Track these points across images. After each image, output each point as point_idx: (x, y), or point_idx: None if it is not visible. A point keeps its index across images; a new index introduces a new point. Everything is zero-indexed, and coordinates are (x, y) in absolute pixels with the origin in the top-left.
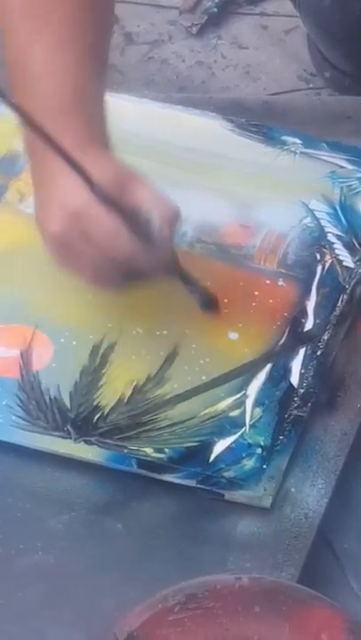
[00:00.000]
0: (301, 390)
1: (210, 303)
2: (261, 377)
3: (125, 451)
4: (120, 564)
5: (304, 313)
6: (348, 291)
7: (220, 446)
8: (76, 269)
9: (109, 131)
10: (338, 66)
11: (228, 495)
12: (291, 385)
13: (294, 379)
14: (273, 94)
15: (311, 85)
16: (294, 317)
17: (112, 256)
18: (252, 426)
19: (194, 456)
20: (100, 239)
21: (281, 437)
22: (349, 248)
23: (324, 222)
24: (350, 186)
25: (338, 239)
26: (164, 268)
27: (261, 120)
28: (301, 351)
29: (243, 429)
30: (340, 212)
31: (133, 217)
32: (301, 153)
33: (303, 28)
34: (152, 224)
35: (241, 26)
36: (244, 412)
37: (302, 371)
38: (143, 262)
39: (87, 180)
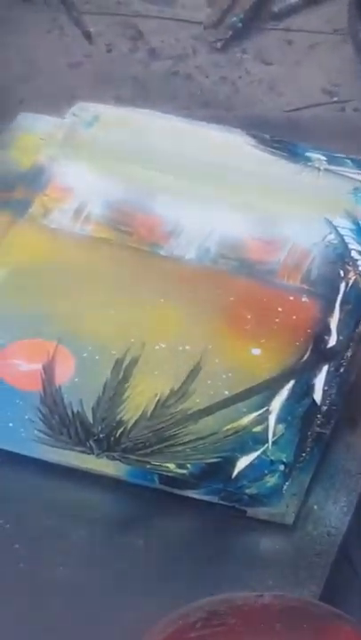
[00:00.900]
0: (324, 407)
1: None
2: (284, 393)
3: (148, 466)
4: (140, 581)
5: (327, 330)
6: None
7: (243, 462)
8: None
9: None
10: None
11: (251, 512)
12: (314, 402)
13: (317, 395)
14: (296, 109)
15: (336, 99)
16: (317, 334)
17: None
18: (274, 442)
19: (216, 472)
20: None
21: (303, 454)
22: None
23: (347, 239)
24: None
25: None
26: None
27: (285, 136)
28: (325, 368)
29: (265, 446)
30: None
31: None
32: (325, 169)
33: (329, 42)
34: None
35: (266, 41)
36: (267, 428)
37: (325, 388)
38: None
39: None
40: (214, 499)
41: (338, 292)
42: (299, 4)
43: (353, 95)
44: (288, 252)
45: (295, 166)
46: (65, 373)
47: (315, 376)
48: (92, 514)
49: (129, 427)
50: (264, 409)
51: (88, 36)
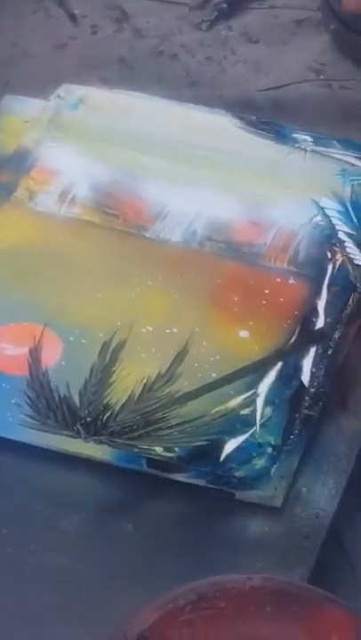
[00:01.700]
0: (312, 389)
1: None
2: (272, 375)
3: (135, 450)
4: (130, 565)
5: (315, 311)
6: (358, 289)
7: (231, 445)
8: None
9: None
10: (342, 17)
11: (239, 495)
12: (302, 384)
13: (305, 378)
14: (282, 85)
15: (322, 77)
16: (305, 316)
17: None
18: (262, 425)
19: (204, 455)
20: None
21: (292, 437)
22: (360, 246)
23: (334, 220)
24: None
25: (349, 237)
26: None
27: (272, 115)
28: (312, 350)
29: (253, 428)
30: (351, 209)
31: None
32: (312, 151)
33: (313, 20)
34: None
35: (251, 19)
36: (255, 410)
37: (313, 370)
38: None
39: None
40: (202, 482)
41: (325, 274)
42: None
43: (339, 73)
44: (275, 234)
45: (282, 148)
46: (52, 357)
47: (302, 358)
48: (81, 498)
49: (116, 410)
50: (252, 391)
51: (73, 17)
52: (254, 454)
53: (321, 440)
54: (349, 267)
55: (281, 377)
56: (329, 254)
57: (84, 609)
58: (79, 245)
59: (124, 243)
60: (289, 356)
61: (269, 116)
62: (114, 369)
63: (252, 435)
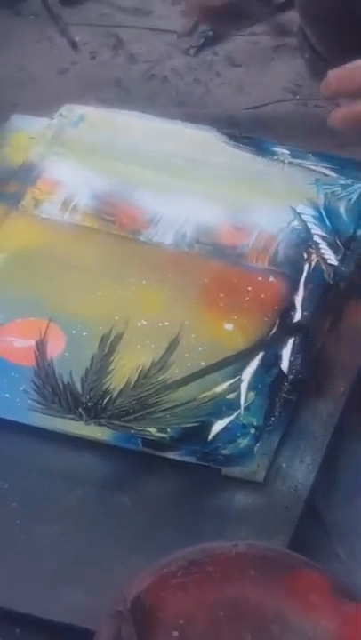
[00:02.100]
0: (291, 376)
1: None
2: (254, 364)
3: (132, 431)
4: (128, 534)
5: (293, 306)
6: (332, 286)
7: (218, 426)
8: None
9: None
10: (316, 47)
11: (225, 470)
12: (281, 371)
13: (284, 365)
14: (262, 105)
15: (298, 97)
16: (284, 310)
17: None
18: (246, 408)
19: (193, 435)
20: None
21: (272, 418)
22: (333, 247)
23: (310, 224)
24: (334, 192)
25: (323, 240)
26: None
27: (253, 132)
28: (290, 341)
29: (238, 411)
30: (324, 215)
31: None
32: (289, 162)
33: (290, 45)
34: None
35: (234, 45)
36: (239, 395)
37: (291, 358)
38: None
39: None
40: (192, 459)
41: (302, 273)
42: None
43: (313, 93)
44: (256, 236)
45: (262, 160)
46: (56, 348)
47: (282, 348)
48: (83, 475)
49: (114, 396)
50: (236, 378)
51: (74, 45)
52: (239, 434)
53: (299, 421)
54: (323, 266)
55: (263, 365)
56: (305, 255)
57: (87, 574)
58: (80, 249)
59: (120, 246)
60: (270, 346)
61: (251, 132)
62: (112, 359)
63: (236, 417)
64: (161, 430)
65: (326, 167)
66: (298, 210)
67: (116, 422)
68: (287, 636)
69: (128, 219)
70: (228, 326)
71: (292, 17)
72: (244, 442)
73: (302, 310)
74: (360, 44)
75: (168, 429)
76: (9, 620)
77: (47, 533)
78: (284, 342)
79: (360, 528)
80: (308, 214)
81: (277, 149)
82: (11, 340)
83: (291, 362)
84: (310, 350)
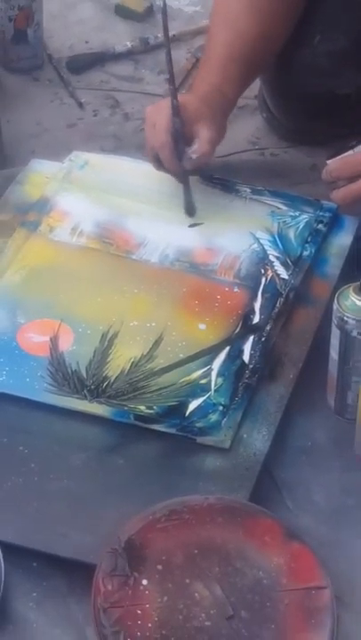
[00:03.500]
0: (251, 365)
1: (191, 210)
2: (222, 355)
3: (126, 408)
4: (122, 488)
5: (253, 311)
6: (283, 295)
7: (193, 405)
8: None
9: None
10: (271, 109)
11: (199, 439)
12: (243, 361)
13: (246, 357)
14: (230, 154)
15: (257, 147)
16: (245, 314)
17: (151, 142)
18: (215, 390)
19: (174, 412)
20: (154, 127)
21: (236, 399)
22: (285, 265)
23: (266, 247)
24: (285, 221)
25: (276, 259)
26: (176, 173)
27: (222, 174)
28: (251, 338)
29: (209, 393)
30: (278, 239)
31: (187, 135)
32: (250, 198)
33: (252, 106)
34: (196, 141)
35: None
36: (210, 380)
37: (251, 352)
38: (166, 159)
39: (174, 96)
40: (173, 430)
41: (260, 285)
42: None
43: (269, 144)
44: (224, 257)
45: (228, 195)
46: (66, 343)
47: (244, 343)
48: (87, 442)
49: (112, 380)
50: (208, 367)
51: (80, 104)
52: (210, 411)
53: (257, 401)
54: (277, 279)
55: (229, 357)
56: (262, 271)
57: (89, 519)
58: (85, 265)
59: (117, 263)
60: (234, 342)
61: (221, 174)
62: (110, 351)
63: (208, 397)
64: (149, 408)
65: (279, 202)
66: (257, 235)
67: (113, 401)
68: (247, 569)
69: (123, 242)
70: (202, 326)
71: (254, 84)
72: (213, 417)
73: (260, 314)
74: (306, 111)
75: (154, 407)
76: (28, 556)
77: (58, 487)
78: (246, 339)
79: (304, 484)
80: (265, 239)
81: (241, 188)
82: (30, 336)
83: (251, 354)
84: (267, 345)
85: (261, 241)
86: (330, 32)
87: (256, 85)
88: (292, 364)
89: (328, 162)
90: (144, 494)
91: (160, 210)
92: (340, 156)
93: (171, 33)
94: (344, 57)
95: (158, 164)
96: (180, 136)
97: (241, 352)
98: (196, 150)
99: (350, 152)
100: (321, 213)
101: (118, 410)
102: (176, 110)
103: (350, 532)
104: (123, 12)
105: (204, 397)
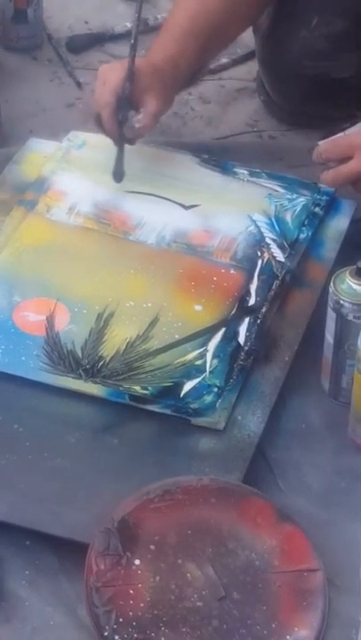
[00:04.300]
0: (246, 347)
1: (118, 176)
2: (218, 337)
3: (121, 388)
4: (116, 468)
5: (248, 293)
6: (279, 278)
7: (188, 386)
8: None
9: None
10: (269, 91)
11: (194, 421)
12: (238, 343)
13: (241, 339)
14: (227, 137)
15: (255, 129)
16: (241, 296)
17: (96, 100)
18: (210, 372)
19: (169, 393)
20: (101, 86)
21: (231, 380)
22: (281, 248)
23: (263, 229)
24: (282, 204)
25: (273, 241)
26: (112, 135)
27: (220, 157)
28: (246, 320)
29: (204, 374)
30: (274, 222)
31: (133, 100)
32: (247, 180)
33: (250, 88)
34: (142, 111)
35: (205, 87)
36: (205, 361)
37: (247, 333)
38: (106, 119)
39: (132, 60)
40: (168, 411)
41: (256, 267)
42: (229, 63)
43: (267, 127)
44: (221, 238)
45: (226, 178)
46: (62, 323)
47: (239, 325)
48: (81, 421)
49: (107, 360)
50: (203, 348)
51: (79, 84)
52: (205, 392)
53: (252, 383)
54: (273, 262)
55: (224, 338)
56: (259, 253)
57: (83, 498)
58: (82, 245)
59: (113, 243)
60: (230, 323)
61: (218, 156)
62: (106, 331)
63: (203, 379)
64: (144, 388)
65: (277, 184)
66: (254, 218)
67: (109, 381)
68: (239, 550)
69: (120, 222)
70: (198, 307)
71: (253, 66)
72: (208, 398)
73: (256, 296)
74: (302, 94)
75: (149, 387)
76: (21, 535)
77: (52, 466)
78: (242, 321)
79: (297, 467)
80: (262, 221)
81: (238, 170)
82: (26, 314)
83: (246, 336)
84: (262, 328)
85: (258, 223)
86: (327, 15)
87: (254, 68)
88: (287, 347)
89: (319, 143)
90: (138, 474)
91: (158, 190)
92: (330, 138)
93: (159, 15)
94: (341, 40)
95: (98, 123)
96: (127, 102)
97: (236, 334)
98: (139, 120)
99: (341, 134)
100: (318, 196)
101: (113, 390)
102: (130, 75)
103: (343, 515)
104: None
105: (199, 378)
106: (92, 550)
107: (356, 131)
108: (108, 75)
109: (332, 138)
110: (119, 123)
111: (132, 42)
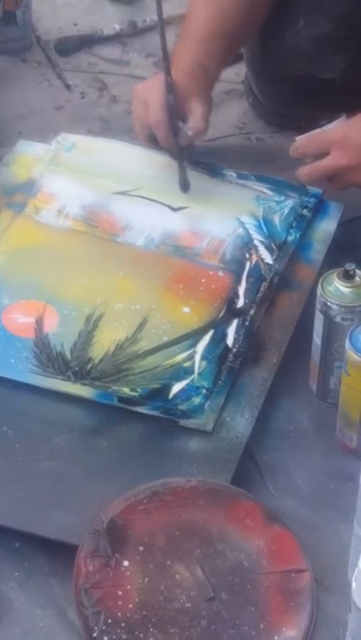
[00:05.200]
0: (234, 349)
1: (185, 186)
2: (206, 339)
3: (109, 390)
4: (105, 469)
5: (237, 295)
6: (267, 280)
7: (177, 388)
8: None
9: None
10: (257, 94)
11: (182, 422)
12: (227, 345)
13: (229, 341)
14: (216, 139)
15: (243, 132)
16: (230, 298)
17: (144, 120)
18: (199, 374)
19: (158, 394)
20: (145, 104)
21: (219, 382)
22: (269, 250)
23: (251, 232)
24: (270, 206)
25: (261, 244)
26: (172, 149)
27: (208, 159)
28: (235, 322)
29: (192, 376)
30: (263, 224)
31: (179, 110)
32: (236, 183)
33: (238, 91)
34: (188, 120)
35: None
36: (194, 363)
37: (235, 335)
38: (162, 136)
39: (168, 73)
40: (156, 413)
41: (244, 269)
42: None
43: (255, 129)
44: (209, 240)
45: (215, 180)
46: (51, 325)
47: (228, 327)
48: (71, 423)
49: (96, 362)
50: (192, 350)
51: (68, 86)
52: (193, 394)
53: (240, 385)
54: (261, 264)
55: (213, 340)
56: (247, 255)
57: (72, 500)
58: (71, 247)
59: (102, 245)
60: (218, 325)
61: (207, 159)
62: (95, 333)
63: (191, 380)
64: (132, 390)
65: (265, 187)
66: (242, 220)
67: (98, 383)
68: (228, 552)
69: (108, 224)
70: (186, 309)
71: (240, 69)
72: (197, 400)
73: (244, 298)
74: (290, 96)
75: (138, 389)
76: (10, 536)
77: (42, 468)
78: (230, 323)
79: (285, 468)
80: (250, 224)
81: (227, 172)
82: (15, 317)
83: (234, 338)
84: (250, 330)
85: (246, 225)
86: (313, 17)
87: (242, 71)
88: (275, 349)
89: (296, 139)
90: (127, 476)
91: (146, 192)
92: (307, 134)
93: (148, 17)
94: (328, 42)
95: (153, 142)
96: (175, 113)
97: (225, 336)
98: (191, 126)
99: (318, 130)
100: (306, 199)
101: (102, 392)
102: (170, 87)
103: (331, 516)
104: None
105: (188, 380)
106: (82, 552)
107: (332, 127)
108: (147, 93)
109: (309, 133)
110: (174, 135)
111: (163, 54)
